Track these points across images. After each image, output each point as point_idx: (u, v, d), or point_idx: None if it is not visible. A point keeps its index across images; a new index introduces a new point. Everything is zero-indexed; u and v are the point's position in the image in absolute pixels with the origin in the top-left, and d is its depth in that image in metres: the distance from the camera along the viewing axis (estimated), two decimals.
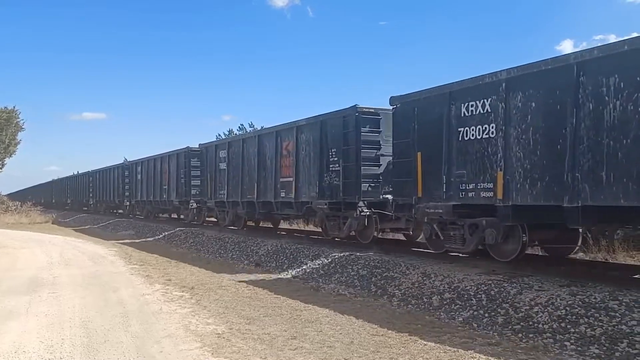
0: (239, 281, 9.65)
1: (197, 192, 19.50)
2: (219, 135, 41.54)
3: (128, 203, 28.08)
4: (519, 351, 5.32)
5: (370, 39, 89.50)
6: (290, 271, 10.72)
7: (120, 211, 31.73)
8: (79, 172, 42.68)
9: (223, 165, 17.09)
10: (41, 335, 5.82)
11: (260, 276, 10.47)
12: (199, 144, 19.27)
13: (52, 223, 31.25)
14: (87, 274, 10.34)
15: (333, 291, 8.74)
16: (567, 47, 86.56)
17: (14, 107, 40.96)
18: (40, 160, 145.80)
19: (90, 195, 36.14)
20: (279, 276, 10.48)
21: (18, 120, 41.24)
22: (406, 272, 8.57)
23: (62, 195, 46.86)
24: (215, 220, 19.36)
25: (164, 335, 5.86)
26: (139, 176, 26.15)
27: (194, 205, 19.75)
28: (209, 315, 6.84)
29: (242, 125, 42.34)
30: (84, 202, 39.13)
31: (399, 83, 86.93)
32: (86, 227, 27.41)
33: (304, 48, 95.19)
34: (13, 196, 56.45)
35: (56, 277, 9.88)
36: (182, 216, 22.31)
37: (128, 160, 28.38)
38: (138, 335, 5.86)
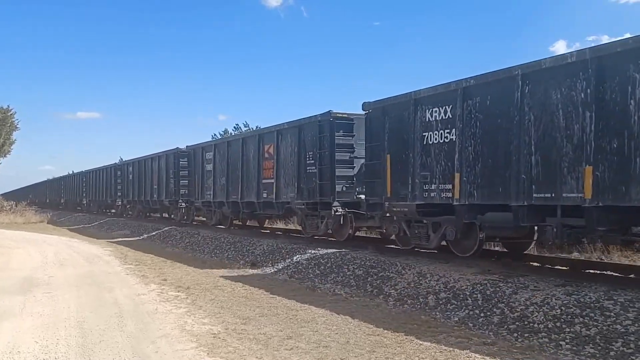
0: (235, 281, 9.63)
1: (344, 188, 12.42)
2: (215, 135, 41.32)
3: (184, 205, 20.60)
4: (515, 351, 5.34)
5: (365, 39, 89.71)
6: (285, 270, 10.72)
7: (158, 215, 24.95)
8: (74, 171, 41.66)
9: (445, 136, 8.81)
10: (36, 335, 5.80)
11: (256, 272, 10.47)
12: (349, 114, 12.13)
13: (48, 222, 31.02)
14: (82, 274, 10.30)
15: (329, 291, 8.74)
16: (561, 47, 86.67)
17: (8, 106, 40.91)
18: (34, 160, 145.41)
19: (118, 194, 28.26)
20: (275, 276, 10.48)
21: (13, 120, 41.14)
22: (402, 272, 8.58)
23: (74, 194, 39.29)
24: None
25: (160, 335, 5.84)
26: (207, 167, 18.34)
27: (340, 210, 12.40)
28: (205, 315, 6.83)
29: (237, 125, 42.30)
30: (107, 203, 31.11)
31: (397, 82, 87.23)
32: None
33: (299, 48, 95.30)
34: (10, 195, 55.99)
35: (51, 277, 9.84)
36: (304, 228, 13.75)
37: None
38: (133, 335, 5.85)
